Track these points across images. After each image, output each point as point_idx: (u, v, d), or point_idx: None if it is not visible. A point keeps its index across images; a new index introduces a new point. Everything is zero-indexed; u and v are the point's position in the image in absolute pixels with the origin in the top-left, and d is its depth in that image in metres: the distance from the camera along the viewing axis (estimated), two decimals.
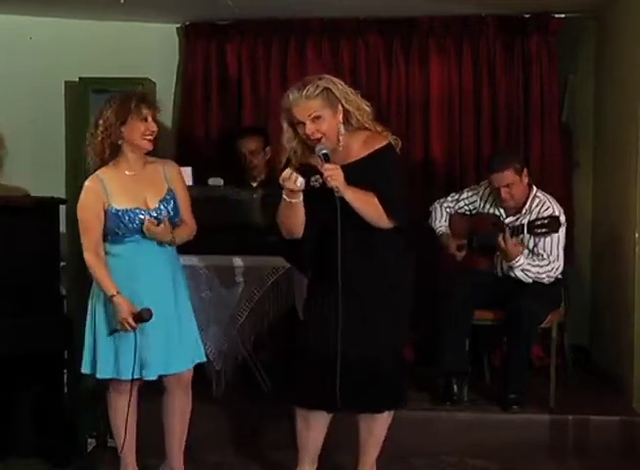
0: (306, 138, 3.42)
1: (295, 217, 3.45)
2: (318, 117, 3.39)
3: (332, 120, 3.42)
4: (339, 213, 3.32)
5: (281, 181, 3.35)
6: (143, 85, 5.21)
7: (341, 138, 3.45)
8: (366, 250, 3.47)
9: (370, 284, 3.49)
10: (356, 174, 3.38)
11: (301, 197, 3.38)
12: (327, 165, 3.33)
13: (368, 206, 3.40)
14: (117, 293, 3.48)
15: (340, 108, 3.43)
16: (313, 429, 3.67)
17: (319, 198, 3.40)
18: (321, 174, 3.37)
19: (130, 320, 3.46)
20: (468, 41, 5.46)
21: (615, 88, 5.08)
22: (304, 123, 3.39)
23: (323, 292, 3.52)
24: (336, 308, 3.40)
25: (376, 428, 3.70)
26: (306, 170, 3.43)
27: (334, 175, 3.31)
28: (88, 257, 3.53)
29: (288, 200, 3.39)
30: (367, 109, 3.51)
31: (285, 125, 3.49)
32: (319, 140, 3.40)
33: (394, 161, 3.52)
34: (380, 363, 3.51)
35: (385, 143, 3.48)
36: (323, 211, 3.42)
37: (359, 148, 3.47)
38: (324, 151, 3.37)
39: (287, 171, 3.35)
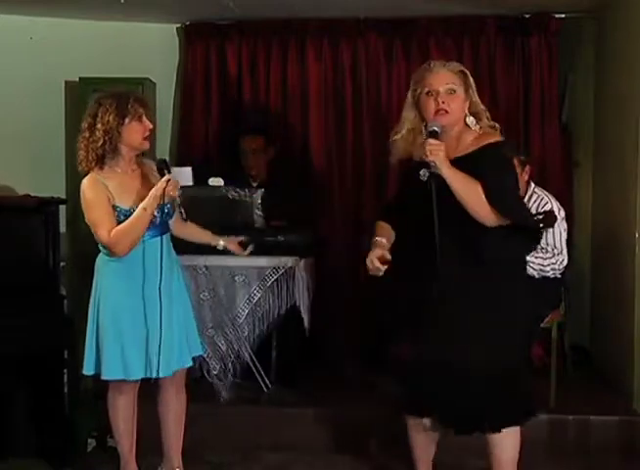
0: (431, 110, 3.29)
1: None
2: (453, 91, 3.30)
3: (461, 103, 3.32)
4: (433, 192, 3.16)
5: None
6: (143, 85, 5.21)
7: (467, 123, 3.34)
8: (470, 252, 3.26)
9: (472, 293, 3.27)
10: (465, 168, 3.22)
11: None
12: (431, 140, 3.20)
13: (468, 190, 3.19)
14: (142, 205, 3.44)
15: (469, 96, 3.35)
16: (427, 438, 3.54)
17: (424, 190, 3.24)
18: (427, 166, 3.25)
19: (162, 183, 3.44)
20: (468, 41, 5.46)
21: (614, 88, 5.07)
22: (437, 93, 3.28)
23: (416, 297, 3.35)
24: (443, 312, 3.27)
25: (494, 450, 3.40)
26: (414, 165, 3.35)
27: (434, 150, 3.17)
28: (109, 236, 3.44)
29: None
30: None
31: (408, 100, 3.39)
32: (445, 113, 3.28)
33: (504, 158, 3.39)
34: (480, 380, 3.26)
35: (498, 139, 3.36)
36: (425, 205, 3.24)
37: (471, 142, 3.34)
38: (435, 128, 3.24)
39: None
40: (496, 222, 3.23)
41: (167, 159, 3.54)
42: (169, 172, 3.52)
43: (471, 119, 3.35)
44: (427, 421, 3.45)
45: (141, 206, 3.46)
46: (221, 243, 3.92)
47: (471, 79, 3.38)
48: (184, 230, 3.78)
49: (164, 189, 3.45)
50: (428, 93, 3.31)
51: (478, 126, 3.36)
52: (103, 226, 3.46)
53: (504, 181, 3.30)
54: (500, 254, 3.29)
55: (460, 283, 3.26)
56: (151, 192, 3.47)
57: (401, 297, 3.44)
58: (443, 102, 3.29)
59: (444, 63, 3.39)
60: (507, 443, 3.38)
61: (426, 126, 3.32)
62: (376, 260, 3.36)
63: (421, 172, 3.26)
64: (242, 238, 4.00)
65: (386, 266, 3.35)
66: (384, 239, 3.44)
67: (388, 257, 3.37)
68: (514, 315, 3.32)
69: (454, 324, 3.28)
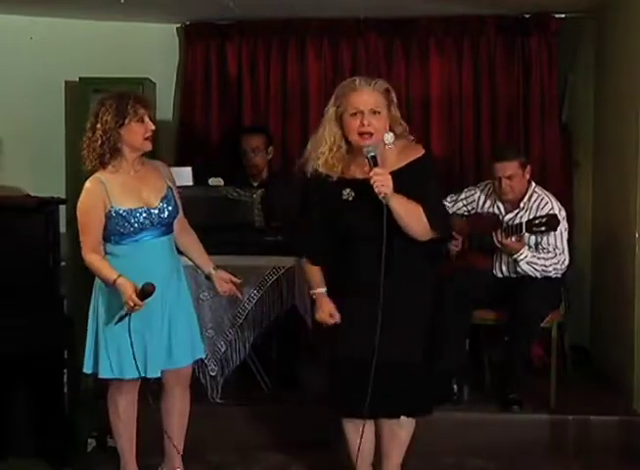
0: (355, 130, 3.29)
1: None
2: (377, 113, 3.31)
3: (384, 123, 3.33)
4: (385, 220, 3.21)
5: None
6: (143, 85, 5.21)
7: (387, 144, 3.34)
8: (402, 262, 3.35)
9: (404, 296, 3.38)
10: (396, 184, 3.24)
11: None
12: (377, 170, 3.22)
13: (413, 215, 3.28)
14: (119, 276, 3.43)
15: (390, 112, 3.37)
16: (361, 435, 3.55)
17: (348, 210, 3.35)
18: (353, 186, 3.32)
19: (134, 297, 3.39)
20: (468, 41, 5.47)
21: (614, 88, 5.08)
22: (361, 113, 3.28)
23: (352, 303, 3.44)
24: (367, 317, 3.33)
25: (400, 432, 3.60)
26: (335, 182, 3.38)
27: (384, 181, 3.20)
28: (87, 256, 3.51)
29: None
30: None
31: (330, 115, 3.36)
32: (369, 136, 3.28)
33: (433, 171, 3.45)
34: (407, 370, 3.42)
35: (422, 153, 3.41)
36: (352, 223, 3.36)
37: (396, 158, 3.37)
38: (372, 153, 3.25)
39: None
40: (428, 238, 3.35)
41: (155, 286, 3.44)
42: (147, 297, 3.42)
43: (388, 137, 3.34)
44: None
45: (116, 276, 3.42)
46: (212, 272, 3.79)
47: (393, 95, 3.40)
48: (183, 237, 3.76)
49: (129, 303, 3.39)
50: (352, 114, 3.31)
51: (393, 144, 3.35)
52: (87, 243, 3.52)
53: (434, 200, 3.40)
54: (423, 263, 3.45)
55: (394, 292, 3.32)
56: (124, 287, 3.40)
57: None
58: (369, 124, 3.29)
59: (370, 81, 3.36)
60: (411, 424, 3.58)
61: (348, 143, 3.35)
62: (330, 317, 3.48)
63: (345, 192, 3.35)
64: (237, 280, 3.85)
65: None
66: (323, 289, 3.52)
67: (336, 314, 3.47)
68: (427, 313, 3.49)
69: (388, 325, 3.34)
